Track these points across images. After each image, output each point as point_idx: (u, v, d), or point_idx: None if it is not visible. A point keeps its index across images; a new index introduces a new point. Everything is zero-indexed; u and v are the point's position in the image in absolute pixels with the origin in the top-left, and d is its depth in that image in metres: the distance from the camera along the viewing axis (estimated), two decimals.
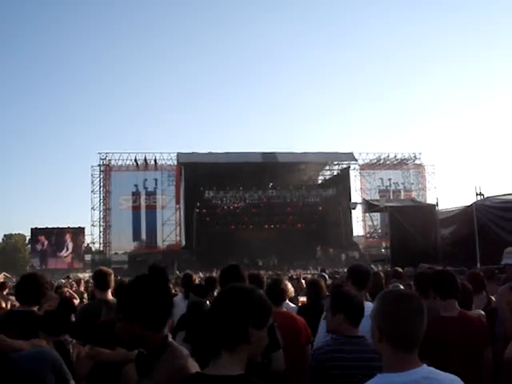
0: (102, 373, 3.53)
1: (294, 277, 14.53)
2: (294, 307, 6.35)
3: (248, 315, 2.01)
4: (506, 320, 4.97)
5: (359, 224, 48.62)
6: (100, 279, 5.45)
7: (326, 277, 8.93)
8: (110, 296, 5.32)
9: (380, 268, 17.76)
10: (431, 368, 2.19)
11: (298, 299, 8.33)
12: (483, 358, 3.99)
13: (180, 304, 6.75)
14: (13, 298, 7.31)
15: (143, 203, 46.89)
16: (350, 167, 48.06)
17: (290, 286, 5.77)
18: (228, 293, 2.12)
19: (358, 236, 48.86)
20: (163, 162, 46.70)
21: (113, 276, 5.59)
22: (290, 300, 6.53)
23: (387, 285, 6.90)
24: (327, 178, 51.15)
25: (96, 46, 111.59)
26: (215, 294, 6.04)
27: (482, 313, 5.15)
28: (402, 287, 6.56)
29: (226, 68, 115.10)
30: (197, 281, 7.38)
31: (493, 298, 6.16)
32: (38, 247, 50.06)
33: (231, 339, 1.98)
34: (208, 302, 5.35)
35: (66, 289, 8.90)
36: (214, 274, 13.33)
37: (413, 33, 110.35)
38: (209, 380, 1.95)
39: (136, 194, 46.84)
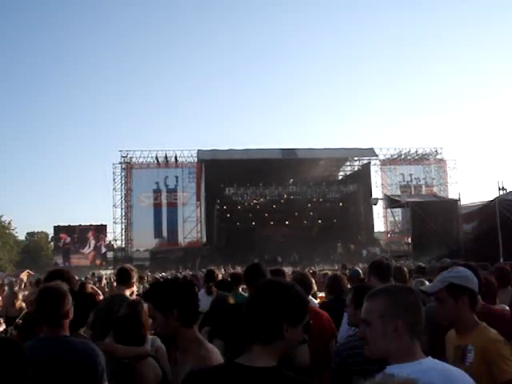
0: (114, 368, 3.57)
1: (319, 272, 14.45)
2: (316, 303, 6.35)
3: (284, 311, 2.02)
4: None
5: (380, 220, 48.48)
6: (121, 275, 5.65)
7: (360, 272, 8.71)
8: (127, 293, 5.45)
9: (402, 264, 17.68)
10: (436, 360, 2.23)
11: (316, 295, 8.25)
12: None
13: (202, 300, 6.79)
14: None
15: (164, 200, 47.18)
16: (370, 163, 47.80)
17: (313, 280, 5.77)
18: (267, 287, 2.14)
19: (379, 232, 48.63)
20: (184, 160, 46.96)
21: (135, 272, 5.74)
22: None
23: (410, 280, 6.87)
24: (348, 173, 50.88)
25: (119, 46, 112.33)
26: (240, 289, 6.07)
27: (507, 307, 5.12)
28: (426, 282, 6.54)
29: (246, 67, 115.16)
30: (220, 276, 7.42)
31: None
32: (61, 245, 50.54)
33: (266, 334, 2.00)
34: (231, 298, 5.38)
35: (89, 285, 9.04)
36: (240, 270, 13.34)
37: (434, 25, 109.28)
38: (242, 369, 1.97)
39: (157, 192, 47.14)
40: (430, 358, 2.19)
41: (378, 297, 2.25)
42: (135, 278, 5.81)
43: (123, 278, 5.61)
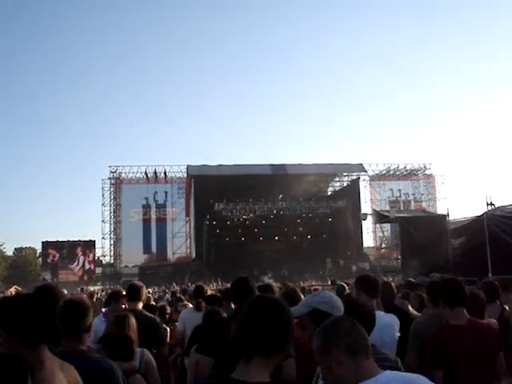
0: None
1: (307, 288, 14.50)
2: None
3: (290, 324, 2.09)
4: None
5: (369, 235, 48.69)
6: (132, 292, 5.91)
7: (346, 286, 8.85)
8: (139, 307, 5.79)
9: (391, 279, 17.71)
10: (395, 371, 2.32)
11: None
12: (496, 364, 3.98)
13: (190, 316, 6.79)
14: None
15: (153, 216, 47.11)
16: (359, 178, 48.09)
17: (302, 296, 5.76)
18: (267, 301, 2.19)
19: (368, 247, 48.72)
20: (173, 175, 47.03)
21: (144, 289, 6.09)
22: None
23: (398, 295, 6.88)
24: (337, 189, 51.11)
25: (108, 60, 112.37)
26: (232, 304, 6.06)
27: (495, 321, 5.13)
28: (410, 307, 6.57)
29: (235, 81, 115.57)
30: (208, 292, 7.40)
31: (507, 307, 6.14)
32: (49, 260, 50.22)
33: (270, 344, 2.02)
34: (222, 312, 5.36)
35: None
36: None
37: (421, 41, 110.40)
38: None
39: (146, 207, 47.08)
40: (388, 371, 2.23)
41: (315, 337, 2.31)
42: (145, 294, 6.23)
43: (134, 294, 5.89)
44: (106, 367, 3.14)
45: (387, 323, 4.20)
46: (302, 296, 5.95)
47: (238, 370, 2.04)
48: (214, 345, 3.92)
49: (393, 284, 6.54)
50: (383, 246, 43.77)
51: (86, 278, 49.36)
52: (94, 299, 13.42)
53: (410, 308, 6.36)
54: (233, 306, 5.99)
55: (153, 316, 6.05)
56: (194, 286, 11.11)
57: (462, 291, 4.07)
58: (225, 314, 4.99)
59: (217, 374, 3.64)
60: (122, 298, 6.25)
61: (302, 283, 27.67)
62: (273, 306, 2.13)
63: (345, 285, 10.03)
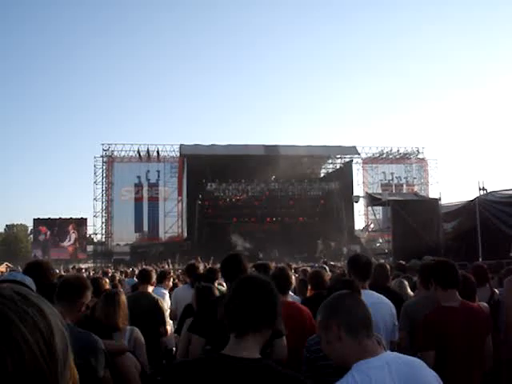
0: None
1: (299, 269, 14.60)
2: (298, 298, 6.36)
3: (275, 300, 2.16)
4: (510, 308, 5.01)
5: (361, 218, 48.78)
6: (144, 275, 6.98)
7: (327, 269, 8.93)
8: (149, 289, 6.82)
9: (382, 261, 17.79)
10: (395, 352, 2.36)
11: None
12: (485, 346, 4.02)
13: (182, 294, 6.81)
14: None
15: (145, 195, 46.93)
16: (352, 161, 47.98)
17: (293, 277, 5.77)
18: (254, 279, 2.27)
19: (359, 230, 48.85)
20: (166, 154, 46.75)
21: (153, 273, 7.20)
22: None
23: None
24: (330, 171, 51.02)
25: (101, 38, 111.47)
26: (216, 284, 6.07)
27: (485, 304, 5.17)
28: (406, 282, 6.60)
29: (229, 60, 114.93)
30: (201, 270, 7.43)
31: (496, 291, 6.19)
32: (40, 238, 50.12)
33: (258, 321, 2.09)
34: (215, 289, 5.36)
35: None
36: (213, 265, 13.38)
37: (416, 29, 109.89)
38: (228, 360, 2.00)
39: (138, 186, 46.87)
40: (388, 352, 2.25)
41: (319, 312, 2.34)
42: (155, 277, 7.19)
43: (145, 277, 6.93)
44: (90, 339, 3.23)
45: (375, 302, 4.22)
46: (292, 276, 5.98)
47: (229, 347, 2.07)
48: (206, 323, 3.93)
49: (387, 266, 6.57)
50: (374, 228, 43.89)
51: (77, 255, 49.34)
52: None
53: (408, 290, 6.38)
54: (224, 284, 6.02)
55: (159, 298, 6.67)
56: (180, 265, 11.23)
57: (456, 273, 4.09)
58: (217, 292, 5.00)
59: (209, 350, 3.66)
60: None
61: (292, 264, 27.70)
62: (259, 284, 2.19)
63: (325, 266, 10.16)
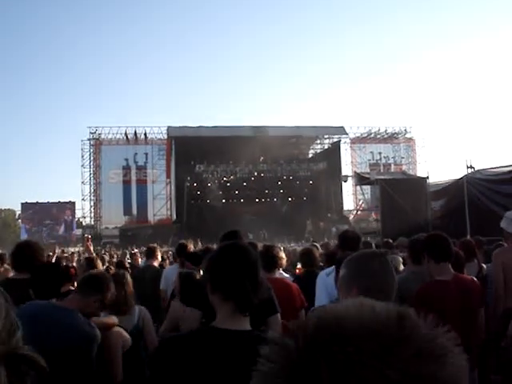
0: None
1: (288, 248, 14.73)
2: (288, 277, 6.38)
3: (256, 267, 2.17)
4: (498, 281, 5.06)
5: (350, 197, 48.91)
6: (149, 252, 8.59)
7: (318, 246, 8.98)
8: (155, 263, 8.39)
9: (369, 239, 17.89)
10: None
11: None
12: (477, 320, 4.05)
13: (175, 272, 6.81)
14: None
15: (134, 177, 46.72)
16: (340, 141, 47.91)
17: (283, 255, 5.77)
18: (232, 246, 2.28)
19: (348, 210, 49.00)
20: (153, 136, 46.44)
21: (158, 249, 8.84)
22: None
23: None
24: (318, 151, 51.02)
25: (87, 20, 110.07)
26: None
27: (475, 279, 5.22)
28: (399, 258, 6.65)
29: (215, 41, 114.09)
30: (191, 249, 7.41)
31: (484, 266, 6.25)
32: (29, 222, 49.90)
33: (243, 278, 2.06)
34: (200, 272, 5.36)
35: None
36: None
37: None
38: (218, 333, 2.00)
39: (126, 168, 46.63)
40: None
41: (343, 267, 2.28)
42: (159, 253, 8.86)
43: (151, 253, 8.47)
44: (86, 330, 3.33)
45: None
46: (283, 254, 6.00)
47: (219, 319, 2.06)
48: (198, 297, 3.94)
49: (373, 244, 6.62)
50: (364, 208, 44.03)
51: (65, 239, 49.19)
52: (74, 262, 13.39)
53: (400, 265, 6.40)
54: None
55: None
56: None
57: (449, 246, 4.08)
58: (198, 277, 4.99)
59: (204, 323, 3.67)
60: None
61: (282, 244, 27.82)
62: (238, 249, 2.20)
63: (317, 244, 10.22)
